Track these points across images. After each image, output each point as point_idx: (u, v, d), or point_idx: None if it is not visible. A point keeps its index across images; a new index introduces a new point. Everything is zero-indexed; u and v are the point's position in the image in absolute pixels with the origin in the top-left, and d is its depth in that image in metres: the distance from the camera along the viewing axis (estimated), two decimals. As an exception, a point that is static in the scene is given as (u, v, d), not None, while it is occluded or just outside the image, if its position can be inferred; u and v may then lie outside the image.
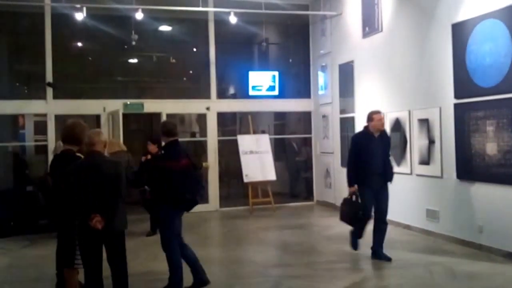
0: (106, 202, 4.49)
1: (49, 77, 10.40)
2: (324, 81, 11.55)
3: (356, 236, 6.82)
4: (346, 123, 10.47)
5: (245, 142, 11.22)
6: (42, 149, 10.79)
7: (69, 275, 5.06)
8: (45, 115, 10.47)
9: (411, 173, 8.33)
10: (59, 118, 10.35)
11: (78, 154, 5.07)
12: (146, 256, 6.13)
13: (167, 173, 5.14)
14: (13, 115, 11.28)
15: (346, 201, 6.73)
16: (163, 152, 5.44)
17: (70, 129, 5.11)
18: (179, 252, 5.24)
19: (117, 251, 4.64)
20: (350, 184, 6.56)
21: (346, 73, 10.44)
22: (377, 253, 6.52)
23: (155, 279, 5.60)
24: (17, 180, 10.62)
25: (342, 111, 10.68)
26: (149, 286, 5.13)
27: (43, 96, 10.47)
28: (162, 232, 5.38)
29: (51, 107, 10.41)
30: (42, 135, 10.76)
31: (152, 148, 7.90)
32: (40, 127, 11.02)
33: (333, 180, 11.11)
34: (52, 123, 10.39)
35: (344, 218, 6.75)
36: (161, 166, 5.24)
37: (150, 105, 10.98)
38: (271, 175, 11.07)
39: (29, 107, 10.67)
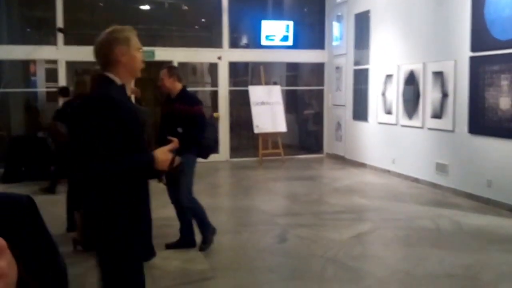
0: None
1: (59, 23, 10.32)
2: (339, 31, 11.31)
3: None
4: (360, 75, 10.32)
5: (256, 93, 11.15)
6: (53, 96, 10.84)
7: (79, 218, 5.20)
8: (55, 61, 10.46)
9: (422, 127, 8.26)
10: (70, 65, 10.34)
11: None
12: (156, 202, 6.25)
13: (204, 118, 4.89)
14: (25, 62, 11.29)
15: None
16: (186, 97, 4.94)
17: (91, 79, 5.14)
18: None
19: None
20: None
21: (362, 24, 10.20)
22: None
23: (164, 224, 5.68)
24: (28, 127, 10.72)
25: (356, 63, 10.51)
26: (159, 231, 5.25)
27: (53, 42, 10.41)
28: (185, 184, 4.89)
29: (62, 53, 10.36)
30: (54, 82, 10.78)
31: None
32: (52, 75, 11.03)
33: (344, 133, 11.08)
34: (63, 70, 10.39)
35: None
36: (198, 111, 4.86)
37: (161, 53, 10.87)
38: (282, 127, 11.06)
39: (40, 52, 10.63)
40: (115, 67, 2.43)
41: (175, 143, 4.60)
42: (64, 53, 10.34)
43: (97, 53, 2.45)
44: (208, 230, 5.10)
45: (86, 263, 4.80)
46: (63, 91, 8.00)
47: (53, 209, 6.73)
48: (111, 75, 2.43)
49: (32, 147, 8.47)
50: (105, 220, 2.36)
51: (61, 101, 7.91)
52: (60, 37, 10.32)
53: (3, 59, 10.37)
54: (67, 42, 10.41)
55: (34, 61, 11.44)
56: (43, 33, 11.35)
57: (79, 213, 5.16)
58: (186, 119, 4.76)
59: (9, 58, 10.47)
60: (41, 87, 11.70)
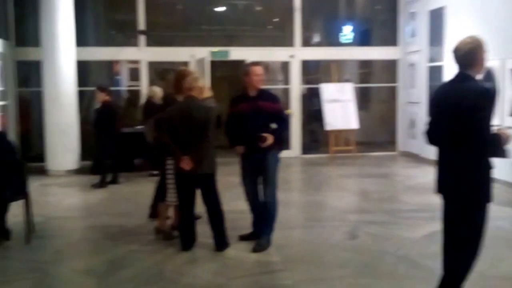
0: (195, 146, 4.83)
1: (141, 25, 10.92)
2: (412, 28, 11.11)
3: None
4: (435, 72, 10.10)
5: (328, 90, 11.22)
6: (135, 94, 11.50)
7: (161, 208, 5.59)
8: (138, 61, 11.10)
9: (500, 125, 7.98)
10: (151, 65, 10.94)
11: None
12: (230, 196, 6.51)
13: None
14: (110, 62, 12.04)
15: None
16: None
17: (173, 77, 5.51)
18: None
19: (209, 192, 5.04)
20: None
21: (436, 20, 9.97)
22: None
23: (237, 217, 5.85)
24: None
25: (431, 60, 10.29)
26: (233, 223, 5.47)
27: (136, 44, 11.05)
28: (275, 179, 5.10)
29: (144, 54, 10.99)
30: (135, 81, 11.45)
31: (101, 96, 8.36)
32: (134, 74, 11.71)
33: (419, 131, 10.87)
34: (145, 69, 11.02)
35: None
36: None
37: (236, 53, 11.20)
38: (354, 124, 11.05)
39: (123, 54, 11.33)
40: (473, 67, 3.24)
41: (270, 138, 4.86)
42: (146, 54, 10.96)
43: (462, 57, 3.26)
44: (269, 234, 5.16)
45: (165, 250, 5.13)
46: (103, 88, 8.57)
47: (136, 200, 7.24)
48: (469, 73, 3.22)
49: (117, 142, 8.92)
50: (481, 175, 3.22)
51: (101, 98, 8.42)
52: (141, 38, 10.95)
53: (90, 59, 11.13)
54: (148, 43, 11.02)
55: (117, 62, 12.17)
56: (126, 35, 12.04)
57: (163, 204, 5.55)
58: (273, 116, 5.01)
59: (96, 59, 11.23)
60: (125, 86, 12.44)
